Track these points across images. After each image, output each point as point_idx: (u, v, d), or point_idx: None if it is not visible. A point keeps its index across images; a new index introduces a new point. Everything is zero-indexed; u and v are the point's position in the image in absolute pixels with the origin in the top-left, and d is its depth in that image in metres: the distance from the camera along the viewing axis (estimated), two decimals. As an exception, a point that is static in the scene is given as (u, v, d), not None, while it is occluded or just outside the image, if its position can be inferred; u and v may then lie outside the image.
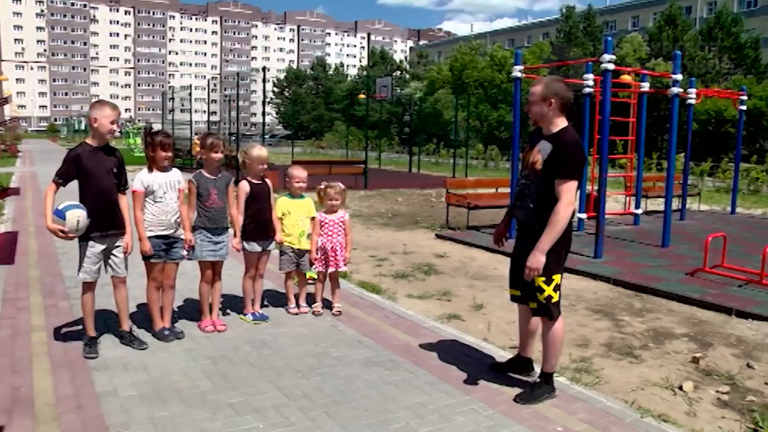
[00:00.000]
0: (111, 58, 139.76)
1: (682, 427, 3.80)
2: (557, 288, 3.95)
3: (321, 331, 5.28)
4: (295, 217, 5.65)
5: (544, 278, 3.88)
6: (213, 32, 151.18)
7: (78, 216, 4.29)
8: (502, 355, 4.71)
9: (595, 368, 4.70)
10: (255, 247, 5.44)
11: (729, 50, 48.74)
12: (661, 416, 3.89)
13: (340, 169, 19.62)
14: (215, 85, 26.90)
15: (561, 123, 3.93)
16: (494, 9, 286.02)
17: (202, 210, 5.09)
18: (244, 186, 5.40)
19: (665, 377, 4.61)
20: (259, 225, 5.43)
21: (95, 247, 4.50)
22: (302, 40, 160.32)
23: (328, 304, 5.86)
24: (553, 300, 3.93)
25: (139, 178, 4.82)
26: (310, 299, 6.02)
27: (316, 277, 6.52)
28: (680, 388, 4.43)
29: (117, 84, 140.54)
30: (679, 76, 9.89)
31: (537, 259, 3.79)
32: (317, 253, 5.69)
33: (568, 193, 3.77)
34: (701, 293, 6.82)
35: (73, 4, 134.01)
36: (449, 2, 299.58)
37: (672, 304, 6.65)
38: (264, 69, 19.95)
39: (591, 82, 10.43)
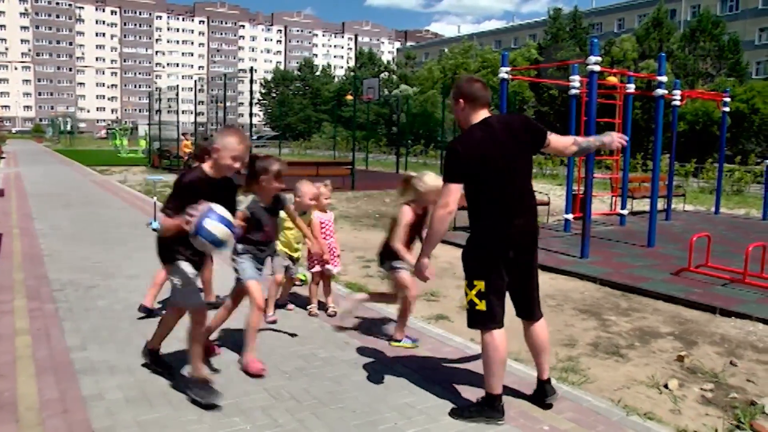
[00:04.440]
0: (97, 59, 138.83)
1: (666, 424, 3.84)
2: (482, 295, 3.66)
3: (309, 332, 5.27)
4: (297, 231, 5.38)
5: (466, 282, 3.76)
6: (200, 33, 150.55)
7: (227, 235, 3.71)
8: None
9: (581, 367, 4.73)
10: None
11: (711, 53, 49.29)
12: (647, 414, 3.92)
13: (327, 170, 19.59)
14: (202, 86, 26.65)
15: (473, 123, 3.78)
16: (482, 11, 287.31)
17: (251, 243, 4.54)
18: (408, 213, 4.80)
19: (651, 376, 4.65)
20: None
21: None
22: (289, 41, 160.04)
23: (317, 306, 5.86)
24: (477, 307, 3.68)
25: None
26: (300, 301, 6.02)
27: (304, 279, 6.54)
28: (665, 386, 4.47)
29: (103, 84, 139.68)
30: (663, 78, 9.97)
31: (418, 264, 3.84)
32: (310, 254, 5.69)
33: (443, 196, 3.67)
34: (686, 292, 6.89)
35: (58, 4, 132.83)
36: (437, 4, 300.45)
37: (658, 304, 6.70)
38: (251, 70, 19.91)
39: (577, 84, 10.49)
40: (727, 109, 14.84)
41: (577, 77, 10.48)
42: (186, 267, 3.90)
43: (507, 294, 3.80)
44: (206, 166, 3.85)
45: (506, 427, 3.61)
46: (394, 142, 31.56)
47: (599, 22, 72.59)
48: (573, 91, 10.51)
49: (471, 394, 4.06)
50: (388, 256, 4.92)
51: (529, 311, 3.88)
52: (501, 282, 3.70)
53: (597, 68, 8.82)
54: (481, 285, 3.66)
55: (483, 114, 3.74)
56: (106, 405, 3.74)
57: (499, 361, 3.67)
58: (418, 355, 4.77)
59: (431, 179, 4.65)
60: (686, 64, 46.83)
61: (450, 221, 3.76)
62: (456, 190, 3.63)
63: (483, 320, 3.70)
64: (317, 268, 5.75)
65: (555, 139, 3.83)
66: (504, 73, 10.04)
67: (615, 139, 3.98)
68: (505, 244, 3.66)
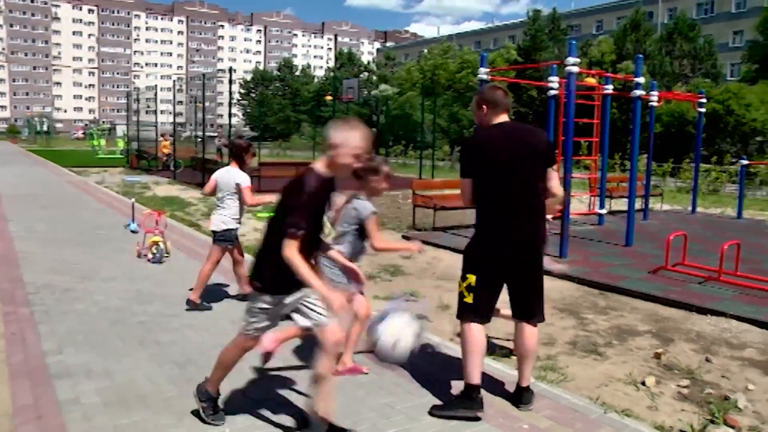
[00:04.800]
0: (74, 58, 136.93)
1: (643, 421, 3.88)
2: (471, 289, 3.80)
3: (288, 333, 5.25)
4: None
5: (461, 274, 3.88)
6: (179, 32, 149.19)
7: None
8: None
9: (560, 366, 4.76)
10: None
11: (688, 55, 50.01)
12: (624, 411, 3.97)
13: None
14: (181, 86, 26.40)
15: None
16: (461, 12, 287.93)
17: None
18: None
19: (628, 373, 4.70)
20: None
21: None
22: (269, 41, 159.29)
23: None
24: (465, 299, 3.83)
25: None
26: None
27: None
28: (643, 383, 4.53)
29: (80, 84, 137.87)
30: (641, 79, 10.07)
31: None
32: None
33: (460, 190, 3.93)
34: (663, 291, 6.97)
35: (33, 2, 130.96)
36: (416, 5, 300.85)
37: (635, 302, 6.77)
38: (230, 70, 19.78)
39: (556, 85, 10.57)
40: (702, 110, 15.03)
41: (555, 78, 10.56)
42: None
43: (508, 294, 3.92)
44: (320, 166, 3.26)
45: (485, 426, 3.63)
46: (373, 143, 31.59)
47: (578, 24, 73.19)
48: (551, 92, 10.58)
49: (450, 392, 4.07)
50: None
51: (525, 313, 3.92)
52: (493, 280, 3.82)
53: (575, 69, 8.88)
54: (472, 279, 3.80)
55: (503, 118, 3.88)
56: (82, 410, 3.70)
57: (474, 352, 3.76)
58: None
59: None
60: (663, 65, 47.41)
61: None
62: (466, 185, 3.84)
63: (466, 312, 3.83)
64: None
65: (554, 177, 3.91)
66: (483, 74, 10.09)
67: None
68: (502, 244, 3.76)
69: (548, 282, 7.04)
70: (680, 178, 25.47)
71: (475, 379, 3.77)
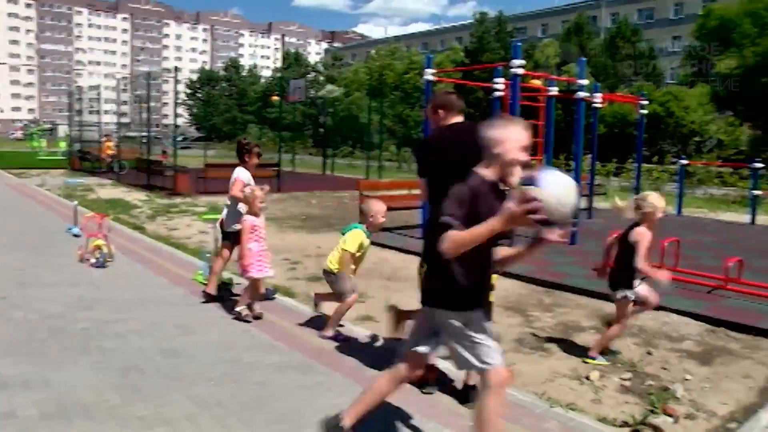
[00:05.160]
0: (11, 55, 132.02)
1: (588, 414, 3.99)
2: None
3: (234, 337, 5.20)
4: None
5: (420, 262, 4.02)
6: (123, 30, 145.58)
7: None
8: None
9: (507, 363, 4.81)
10: None
11: (630, 58, 51.47)
12: (569, 405, 4.07)
13: (254, 172, 19.27)
14: (125, 85, 25.78)
15: None
16: (409, 13, 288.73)
17: None
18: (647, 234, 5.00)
19: (573, 368, 4.82)
20: None
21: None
22: (215, 40, 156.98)
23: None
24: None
25: None
26: (226, 305, 5.92)
27: (229, 282, 6.47)
28: (587, 377, 4.64)
29: (19, 82, 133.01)
30: (584, 81, 10.30)
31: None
32: (252, 259, 5.60)
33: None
34: (607, 287, 7.11)
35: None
36: (364, 5, 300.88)
37: (580, 299, 6.92)
38: (176, 69, 19.44)
39: (501, 86, 10.69)
40: (644, 111, 15.47)
41: (500, 80, 10.68)
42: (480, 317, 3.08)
43: None
44: (483, 169, 3.03)
45: (432, 425, 3.66)
46: (320, 144, 31.48)
47: (524, 27, 74.41)
48: (496, 93, 10.70)
49: (398, 392, 4.07)
50: (621, 283, 5.04)
51: None
52: None
53: (520, 71, 9.03)
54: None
55: (457, 119, 4.06)
56: (18, 423, 3.57)
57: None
58: (345, 355, 4.77)
59: (655, 199, 5.03)
60: (606, 68, 48.61)
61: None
62: (423, 184, 4.01)
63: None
64: (259, 273, 5.65)
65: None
66: (429, 75, 10.17)
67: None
68: None
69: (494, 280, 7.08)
70: (623, 177, 26.13)
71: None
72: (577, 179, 10.46)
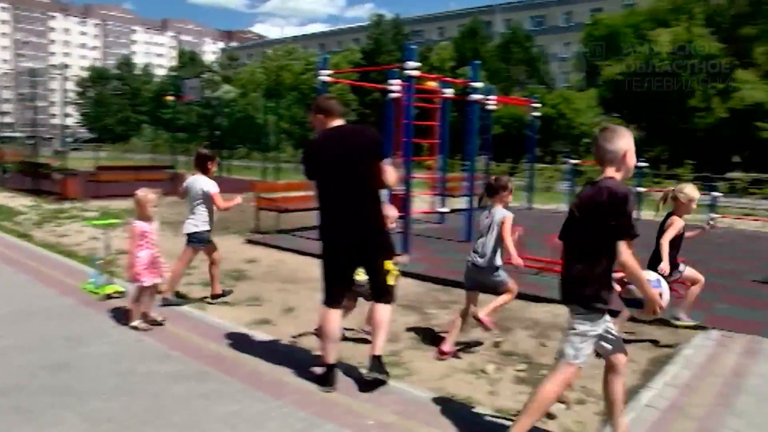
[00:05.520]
0: None
1: (484, 406, 4.09)
2: (323, 277, 4.33)
3: (127, 347, 4.96)
4: None
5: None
6: (3, 22, 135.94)
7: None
8: (315, 357, 4.66)
9: (404, 361, 4.88)
10: None
11: (523, 63, 53.49)
12: (467, 399, 4.17)
13: (148, 175, 18.62)
14: (8, 83, 24.26)
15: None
16: (306, 13, 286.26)
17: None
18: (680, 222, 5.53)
19: (470, 363, 4.92)
20: None
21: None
22: (107, 36, 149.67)
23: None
24: (322, 286, 4.35)
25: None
26: (118, 315, 5.67)
27: (122, 291, 6.22)
28: (483, 371, 4.76)
29: None
30: (477, 84, 10.58)
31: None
32: (145, 265, 5.40)
33: None
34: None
35: None
36: (261, 5, 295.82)
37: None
38: (64, 66, 18.45)
39: (396, 87, 10.80)
40: (536, 114, 16.11)
41: (396, 81, 10.80)
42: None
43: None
44: (612, 176, 3.21)
45: (332, 426, 3.64)
46: (216, 145, 30.70)
47: (421, 30, 75.66)
48: (392, 95, 10.81)
49: (296, 395, 4.04)
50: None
51: (375, 295, 4.40)
52: (336, 269, 4.28)
53: (414, 73, 9.17)
54: (322, 266, 4.29)
55: (336, 123, 4.32)
56: None
57: (325, 333, 4.24)
58: (241, 362, 4.66)
59: (690, 190, 5.51)
60: (501, 72, 50.23)
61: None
62: (312, 185, 4.30)
63: (323, 296, 4.33)
64: (151, 280, 5.45)
65: (387, 169, 4.24)
66: (324, 76, 10.15)
67: None
68: (338, 237, 4.24)
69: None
70: (518, 176, 27.04)
71: (327, 359, 4.20)
72: (470, 178, 10.75)
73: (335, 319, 4.27)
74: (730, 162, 36.33)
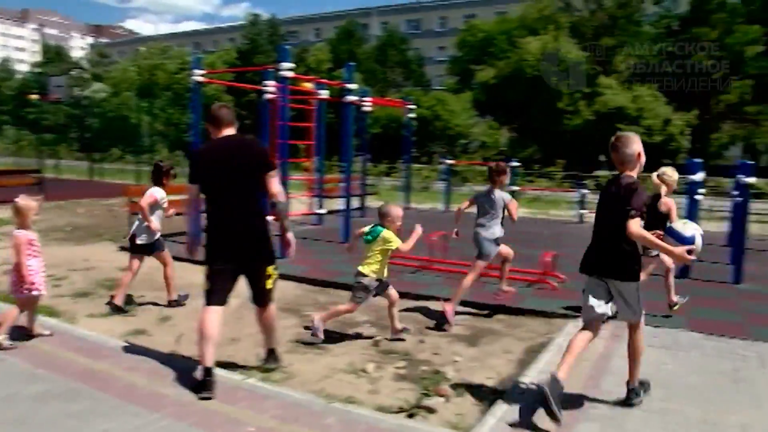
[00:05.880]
0: None
1: (365, 405, 4.14)
2: (207, 277, 4.46)
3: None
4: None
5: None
6: None
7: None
8: (194, 366, 4.55)
9: (284, 365, 4.83)
10: None
11: (399, 65, 54.59)
12: (347, 399, 4.20)
13: (11, 180, 17.27)
14: None
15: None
16: (180, 10, 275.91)
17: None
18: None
19: (350, 363, 4.97)
20: None
21: None
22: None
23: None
24: (204, 287, 4.47)
25: None
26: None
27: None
28: (363, 370, 4.81)
29: None
30: (352, 86, 10.67)
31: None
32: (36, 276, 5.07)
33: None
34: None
35: None
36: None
37: (355, 295, 7.11)
38: None
39: (271, 89, 10.69)
40: (412, 115, 16.47)
41: (271, 82, 10.69)
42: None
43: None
44: (633, 174, 4.12)
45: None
46: (87, 148, 29.20)
47: (297, 30, 75.31)
48: (267, 96, 10.69)
49: (174, 407, 3.92)
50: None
51: (257, 300, 4.60)
52: (220, 272, 4.41)
53: (289, 74, 9.13)
54: (207, 269, 4.43)
55: (226, 132, 4.51)
56: None
57: (202, 334, 4.30)
58: (115, 376, 4.44)
59: (672, 171, 6.38)
60: (377, 74, 50.96)
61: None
62: (191, 189, 4.53)
63: (205, 297, 4.44)
64: (37, 291, 5.12)
65: (273, 182, 4.49)
66: (198, 75, 9.89)
67: None
68: (223, 241, 4.42)
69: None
70: (394, 177, 27.52)
71: (205, 362, 4.22)
72: (347, 180, 10.83)
73: (215, 319, 4.34)
74: (596, 161, 38.83)
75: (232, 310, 5.23)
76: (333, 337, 5.63)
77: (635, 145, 4.08)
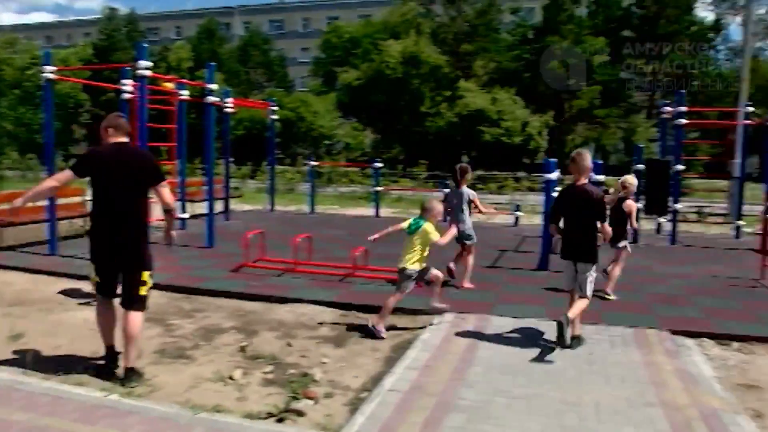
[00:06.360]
0: None
1: (233, 413, 4.06)
2: (96, 271, 4.71)
3: None
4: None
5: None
6: None
7: None
8: (49, 388, 4.25)
9: (147, 377, 4.63)
10: None
11: (262, 66, 53.90)
12: (215, 408, 4.09)
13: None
14: None
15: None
16: (28, 0, 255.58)
17: None
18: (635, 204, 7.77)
19: (216, 371, 4.84)
20: None
21: None
22: None
23: None
24: (93, 278, 4.75)
25: None
26: None
27: None
28: (230, 377, 4.71)
29: None
30: (213, 86, 10.41)
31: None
32: None
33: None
34: (245, 287, 7.37)
35: None
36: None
37: (220, 301, 6.96)
38: None
39: (129, 88, 10.21)
40: (275, 116, 16.28)
41: (129, 81, 10.20)
42: None
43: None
44: (584, 180, 5.64)
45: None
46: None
47: (157, 27, 72.33)
48: (125, 96, 10.20)
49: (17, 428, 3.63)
50: (620, 238, 7.29)
51: (128, 304, 4.67)
52: (104, 269, 4.66)
53: (147, 73, 8.77)
54: (93, 266, 4.69)
55: (121, 140, 4.70)
56: None
57: (98, 323, 4.76)
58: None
59: (633, 179, 7.61)
60: (240, 74, 50.02)
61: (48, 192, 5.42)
62: (66, 173, 4.63)
63: (96, 289, 4.74)
64: None
65: (165, 191, 4.78)
66: (49, 72, 9.26)
67: None
68: (106, 242, 4.60)
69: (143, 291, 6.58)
70: (260, 179, 27.11)
71: (107, 341, 4.72)
72: (210, 183, 10.56)
73: (107, 309, 4.72)
74: (459, 161, 40.31)
75: (92, 325, 4.92)
76: (199, 345, 5.46)
77: (588, 160, 5.54)
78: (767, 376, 5.07)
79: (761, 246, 8.84)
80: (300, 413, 4.10)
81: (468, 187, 7.94)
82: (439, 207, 6.10)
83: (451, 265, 7.84)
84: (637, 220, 7.94)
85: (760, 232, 9.52)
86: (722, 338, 5.91)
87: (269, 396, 4.40)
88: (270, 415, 4.09)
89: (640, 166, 11.71)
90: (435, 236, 5.85)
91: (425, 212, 5.96)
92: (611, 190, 7.82)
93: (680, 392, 4.48)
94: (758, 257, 8.82)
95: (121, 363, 4.66)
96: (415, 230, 5.88)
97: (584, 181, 5.51)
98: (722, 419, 4.05)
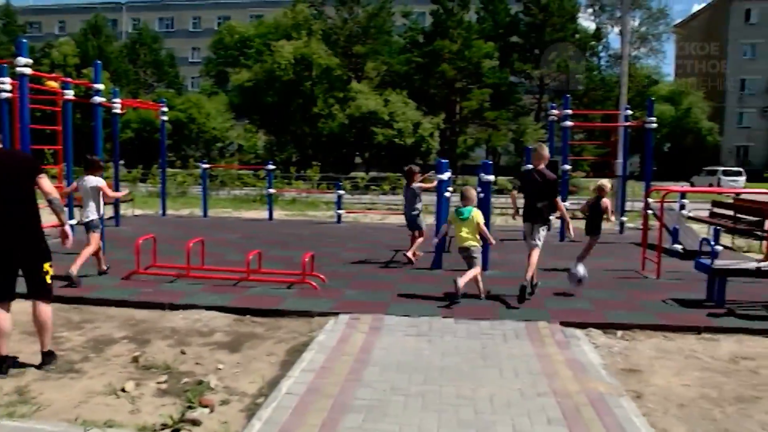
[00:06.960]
0: None
1: (126, 426, 3.97)
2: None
3: None
4: None
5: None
6: None
7: None
8: None
9: (33, 395, 4.42)
10: None
11: (151, 65, 52.14)
12: (107, 423, 3.98)
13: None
14: None
15: None
16: None
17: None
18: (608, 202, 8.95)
19: (108, 384, 4.69)
20: None
21: None
22: None
23: None
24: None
25: None
26: None
27: None
28: (123, 389, 4.58)
29: None
30: (100, 86, 10.05)
31: None
32: None
33: None
34: (136, 294, 7.16)
35: None
36: None
37: (110, 310, 6.73)
38: None
39: (8, 87, 9.69)
40: (165, 118, 15.83)
41: (7, 80, 9.68)
42: None
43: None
44: (543, 165, 7.53)
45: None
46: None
47: (38, 22, 68.52)
48: (4, 95, 9.67)
49: None
50: (594, 230, 8.58)
51: (35, 293, 4.93)
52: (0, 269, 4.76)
53: (27, 71, 8.37)
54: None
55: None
56: None
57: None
58: None
59: (608, 182, 8.95)
60: (128, 73, 48.17)
61: None
62: None
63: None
64: None
65: (44, 182, 4.94)
66: None
67: None
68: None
69: (14, 304, 6.28)
70: (151, 183, 26.26)
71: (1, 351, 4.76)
72: (116, 185, 10.18)
73: (2, 313, 4.77)
74: (353, 163, 40.53)
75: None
76: (89, 358, 5.28)
77: (546, 150, 7.49)
78: (646, 360, 5.50)
79: (642, 240, 9.51)
80: (196, 422, 4.06)
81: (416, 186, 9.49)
82: (474, 193, 7.42)
83: (408, 254, 9.19)
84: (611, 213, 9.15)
85: (641, 227, 10.28)
86: (608, 327, 6.35)
87: (164, 407, 4.32)
88: (164, 426, 4.02)
89: (530, 167, 12.28)
90: (482, 219, 7.35)
91: (468, 200, 7.26)
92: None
93: (570, 380, 4.79)
94: (640, 250, 9.49)
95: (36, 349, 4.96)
96: (469, 216, 7.17)
97: (542, 166, 7.29)
98: (608, 402, 4.38)
